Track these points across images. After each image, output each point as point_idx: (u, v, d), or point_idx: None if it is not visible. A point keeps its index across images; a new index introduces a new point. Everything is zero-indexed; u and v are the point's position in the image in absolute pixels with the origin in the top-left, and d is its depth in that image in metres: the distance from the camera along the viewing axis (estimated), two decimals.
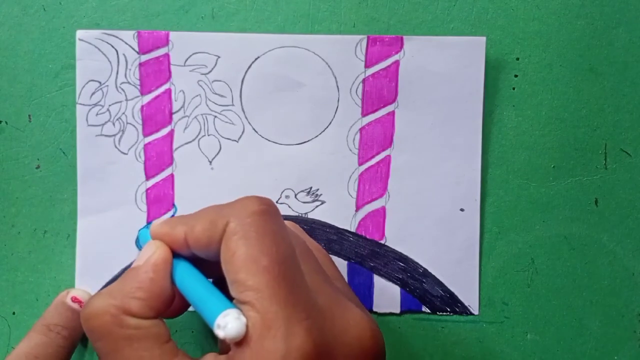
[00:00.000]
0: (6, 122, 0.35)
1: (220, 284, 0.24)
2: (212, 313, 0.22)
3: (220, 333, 0.21)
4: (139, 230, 0.34)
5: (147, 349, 0.23)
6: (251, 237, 0.23)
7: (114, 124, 0.34)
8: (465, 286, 0.35)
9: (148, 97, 0.34)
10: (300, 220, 0.35)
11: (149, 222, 0.35)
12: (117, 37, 0.34)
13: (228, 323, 0.21)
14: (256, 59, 0.34)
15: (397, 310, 0.35)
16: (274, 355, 0.21)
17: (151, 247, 0.25)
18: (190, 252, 0.25)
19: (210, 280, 0.25)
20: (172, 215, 0.35)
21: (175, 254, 0.26)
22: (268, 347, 0.21)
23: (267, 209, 0.24)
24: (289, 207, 0.35)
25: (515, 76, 0.35)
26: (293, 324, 0.21)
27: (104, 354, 0.23)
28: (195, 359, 0.23)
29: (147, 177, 0.35)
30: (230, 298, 0.23)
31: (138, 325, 0.23)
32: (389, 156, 0.35)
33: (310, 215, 0.35)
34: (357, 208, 0.35)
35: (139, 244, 0.34)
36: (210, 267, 0.25)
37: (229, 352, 0.22)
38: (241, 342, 0.21)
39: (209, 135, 0.35)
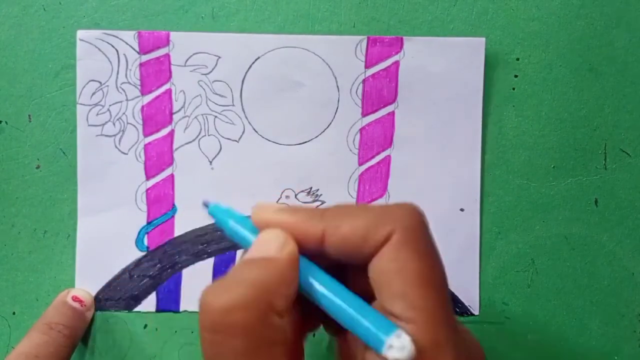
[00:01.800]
0: (6, 122, 0.35)
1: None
2: (379, 331, 0.20)
3: (392, 354, 0.20)
4: (211, 206, 0.25)
5: (283, 355, 0.20)
6: (422, 252, 0.21)
7: (114, 124, 0.34)
8: (466, 286, 0.35)
9: (148, 97, 0.34)
10: None
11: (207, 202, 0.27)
12: (117, 37, 0.34)
13: (405, 346, 0.20)
14: (256, 59, 0.34)
15: None
16: None
17: (278, 237, 0.22)
18: (318, 251, 0.22)
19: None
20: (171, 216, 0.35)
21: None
22: None
23: (425, 221, 0.22)
24: None
25: (515, 76, 0.35)
26: (460, 351, 0.20)
27: (236, 354, 0.19)
28: None
29: (147, 177, 0.35)
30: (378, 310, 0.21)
31: (282, 327, 0.20)
32: (389, 156, 0.35)
33: None
34: None
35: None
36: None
37: None
38: None
39: (209, 135, 0.35)
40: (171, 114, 0.35)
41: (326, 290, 0.22)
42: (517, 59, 0.35)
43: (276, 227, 0.22)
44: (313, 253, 0.23)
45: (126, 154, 0.35)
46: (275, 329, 0.20)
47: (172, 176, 0.35)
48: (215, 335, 0.20)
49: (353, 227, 0.21)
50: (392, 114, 0.35)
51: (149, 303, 0.35)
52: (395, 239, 0.21)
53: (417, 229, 0.21)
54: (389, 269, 0.21)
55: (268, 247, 0.22)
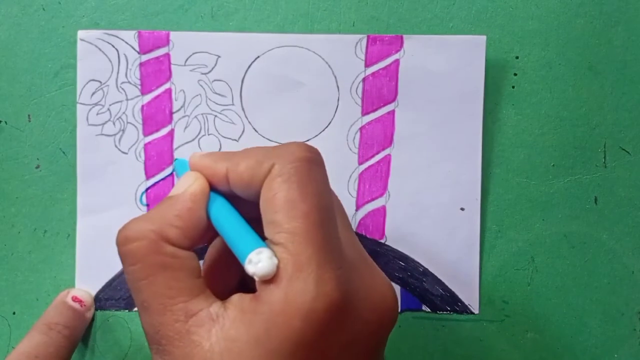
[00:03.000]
0: (6, 122, 0.35)
1: (252, 225, 0.24)
2: (245, 249, 0.22)
3: (250, 269, 0.21)
4: (175, 160, 0.32)
5: (179, 280, 0.22)
6: (294, 182, 0.23)
7: (114, 124, 0.34)
8: (466, 285, 0.35)
9: (148, 97, 0.34)
10: None
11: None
12: (117, 37, 0.34)
13: (261, 260, 0.21)
14: (256, 59, 0.34)
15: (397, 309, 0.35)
16: (303, 297, 0.21)
17: (190, 177, 0.25)
18: (228, 188, 0.25)
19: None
20: None
21: (212, 189, 0.26)
22: (298, 288, 0.21)
23: (313, 157, 0.24)
24: None
25: (515, 75, 0.35)
26: (325, 271, 0.21)
27: (135, 279, 0.23)
28: (221, 300, 0.23)
29: (147, 177, 0.35)
30: (263, 239, 0.23)
31: (174, 254, 0.23)
32: (389, 155, 0.35)
33: None
34: (357, 207, 0.35)
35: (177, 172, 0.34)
36: (243, 208, 0.25)
37: (256, 292, 0.22)
38: (270, 281, 0.21)
39: (209, 134, 0.35)
40: (171, 113, 0.35)
41: (222, 218, 0.24)
42: (517, 57, 0.35)
43: (196, 169, 0.26)
44: (228, 193, 0.25)
45: (126, 153, 0.35)
46: (169, 255, 0.23)
47: (172, 176, 0.35)
48: (123, 264, 0.23)
49: (246, 164, 0.24)
50: (392, 112, 0.35)
51: None
52: (273, 171, 0.23)
53: (295, 162, 0.23)
54: (265, 198, 0.23)
55: (178, 186, 0.25)
